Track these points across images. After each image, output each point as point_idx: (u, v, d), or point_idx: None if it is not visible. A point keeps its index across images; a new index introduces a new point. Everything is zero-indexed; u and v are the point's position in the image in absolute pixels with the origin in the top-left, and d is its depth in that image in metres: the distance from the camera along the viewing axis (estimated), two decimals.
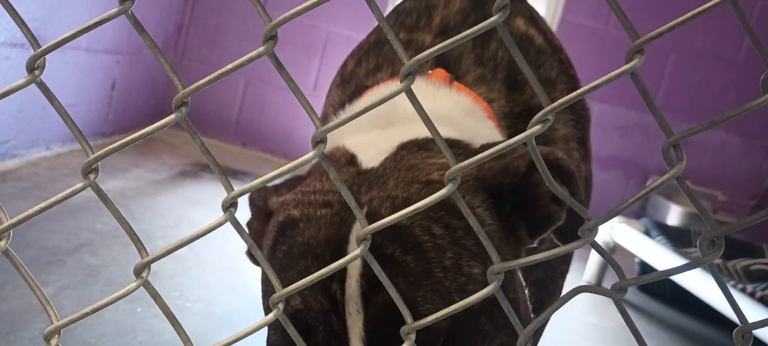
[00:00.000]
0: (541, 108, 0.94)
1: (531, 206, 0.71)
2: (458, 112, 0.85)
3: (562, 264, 1.15)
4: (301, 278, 0.61)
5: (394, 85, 0.90)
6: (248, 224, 0.83)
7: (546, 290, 1.13)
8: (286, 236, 0.69)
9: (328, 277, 0.61)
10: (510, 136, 0.92)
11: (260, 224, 0.80)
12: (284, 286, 0.63)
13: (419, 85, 0.88)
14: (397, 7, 1.07)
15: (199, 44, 3.43)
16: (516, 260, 0.64)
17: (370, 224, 0.61)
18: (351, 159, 0.75)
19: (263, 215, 0.80)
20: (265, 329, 0.72)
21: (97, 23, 0.45)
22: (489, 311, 0.65)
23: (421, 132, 0.75)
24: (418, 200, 0.62)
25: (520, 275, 0.78)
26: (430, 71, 0.90)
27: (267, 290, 0.75)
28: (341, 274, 0.63)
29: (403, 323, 0.51)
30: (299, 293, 0.63)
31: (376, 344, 0.62)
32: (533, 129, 0.43)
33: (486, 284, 0.62)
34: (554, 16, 3.32)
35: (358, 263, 0.62)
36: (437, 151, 0.73)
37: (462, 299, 0.59)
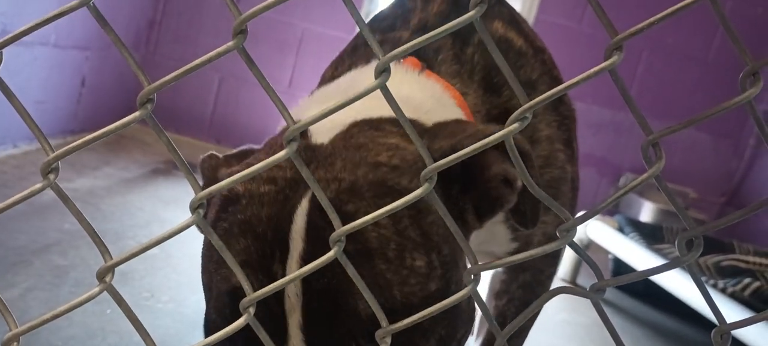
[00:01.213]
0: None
1: (481, 187, 0.69)
2: (425, 97, 0.83)
3: (550, 266, 1.13)
4: (240, 256, 0.62)
5: (368, 69, 0.90)
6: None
7: (533, 293, 1.12)
8: (228, 212, 0.66)
9: (270, 256, 0.61)
10: None
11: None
12: (216, 266, 0.63)
13: (397, 72, 0.86)
14: (374, 16, 1.06)
15: (171, 40, 3.38)
16: (468, 248, 0.62)
17: (312, 207, 0.61)
18: (303, 131, 0.74)
19: (210, 184, 0.76)
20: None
21: (58, 15, 0.43)
22: (430, 305, 0.63)
23: (379, 107, 0.71)
24: (364, 182, 0.63)
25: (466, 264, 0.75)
26: (402, 59, 0.89)
27: (207, 265, 0.70)
28: (283, 254, 0.61)
29: (341, 312, 0.51)
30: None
31: (314, 329, 0.61)
32: (511, 127, 0.42)
33: (428, 277, 0.61)
34: (529, 14, 3.33)
35: (299, 243, 0.61)
36: (389, 131, 0.71)
37: (402, 292, 0.60)
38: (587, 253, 0.46)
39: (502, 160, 0.69)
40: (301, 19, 3.35)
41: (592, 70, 0.41)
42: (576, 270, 2.45)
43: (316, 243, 0.60)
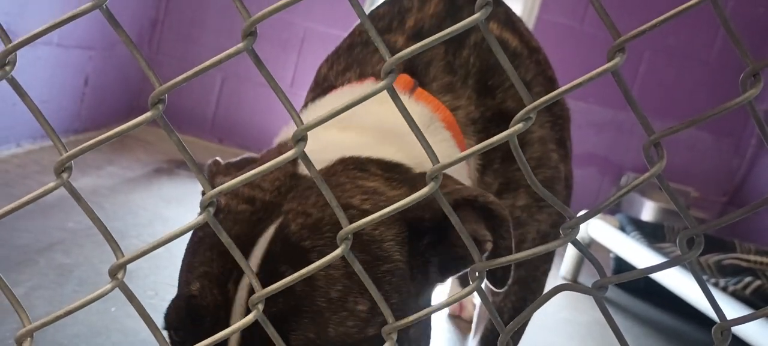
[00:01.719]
0: (514, 110, 0.94)
1: (449, 244, 0.70)
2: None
3: (545, 263, 1.15)
4: (203, 266, 0.66)
5: (366, 86, 0.90)
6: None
7: (528, 289, 1.13)
8: (203, 226, 0.70)
9: (227, 274, 0.64)
10: (481, 141, 0.92)
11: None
12: (187, 268, 0.68)
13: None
14: (370, 12, 1.07)
15: (174, 40, 3.38)
16: (419, 298, 0.66)
17: (277, 235, 0.64)
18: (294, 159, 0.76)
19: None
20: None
21: (70, 18, 0.44)
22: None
23: (371, 146, 0.74)
24: (328, 222, 0.65)
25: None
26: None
27: (182, 263, 0.75)
28: (238, 274, 0.64)
29: (282, 335, 0.54)
30: (199, 281, 0.65)
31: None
32: (515, 127, 0.43)
33: (368, 321, 0.63)
34: (531, 14, 3.34)
35: (256, 263, 0.64)
36: (373, 173, 0.72)
37: (337, 331, 0.62)
38: (588, 250, 0.47)
39: (476, 220, 0.70)
40: (303, 18, 3.35)
41: (595, 72, 0.41)
42: (577, 269, 2.46)
43: (268, 271, 0.64)
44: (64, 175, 0.44)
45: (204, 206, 0.44)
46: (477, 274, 0.48)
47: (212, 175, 0.81)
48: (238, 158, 0.85)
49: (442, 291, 1.95)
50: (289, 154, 0.44)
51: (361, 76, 0.94)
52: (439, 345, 1.67)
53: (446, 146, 0.86)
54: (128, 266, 0.48)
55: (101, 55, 2.89)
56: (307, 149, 0.75)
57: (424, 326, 0.74)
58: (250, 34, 0.42)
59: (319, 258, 0.62)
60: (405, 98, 0.86)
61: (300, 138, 0.44)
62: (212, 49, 3.29)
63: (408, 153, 0.78)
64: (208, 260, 0.67)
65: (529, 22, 3.31)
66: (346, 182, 0.70)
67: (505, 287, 0.72)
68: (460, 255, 0.71)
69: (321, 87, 1.01)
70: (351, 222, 0.63)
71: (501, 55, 0.43)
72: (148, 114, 0.42)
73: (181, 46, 3.38)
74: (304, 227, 0.65)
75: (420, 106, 0.87)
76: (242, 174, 0.74)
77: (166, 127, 0.43)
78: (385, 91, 0.43)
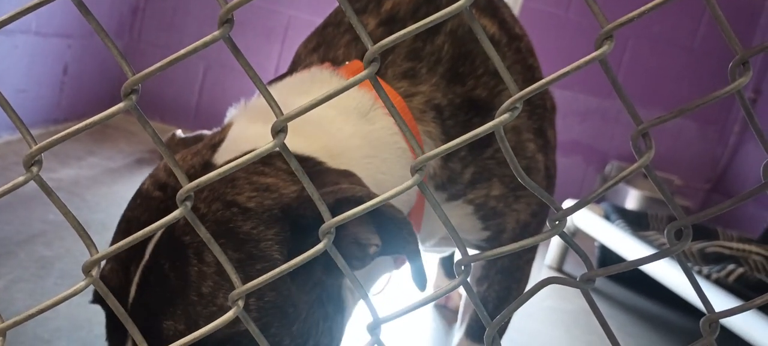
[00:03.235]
0: (484, 99, 0.93)
1: (336, 245, 0.70)
2: (346, 115, 0.82)
3: (528, 252, 1.15)
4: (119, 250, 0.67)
5: (315, 72, 0.89)
6: None
7: (512, 278, 1.13)
8: (129, 204, 0.75)
9: (132, 259, 0.67)
10: (451, 128, 0.91)
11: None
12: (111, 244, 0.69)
13: (323, 76, 0.86)
14: None
15: (156, 27, 3.34)
16: (303, 296, 0.68)
17: (169, 227, 0.65)
18: (217, 144, 0.76)
19: None
20: None
21: (38, 4, 0.42)
22: (235, 342, 0.66)
23: (288, 139, 0.73)
24: (211, 219, 0.66)
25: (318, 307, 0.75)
26: (347, 63, 0.89)
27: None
28: (139, 258, 0.67)
29: (150, 324, 0.60)
30: (109, 262, 0.69)
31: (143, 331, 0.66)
32: (501, 118, 0.42)
33: (239, 321, 0.62)
34: (516, 1, 3.33)
35: (147, 256, 0.67)
36: (275, 167, 0.71)
37: (207, 325, 0.63)
38: (574, 241, 0.46)
39: (360, 223, 0.69)
40: (287, 6, 3.32)
41: (582, 60, 0.40)
42: (563, 257, 2.47)
43: (152, 264, 0.67)
44: (34, 168, 0.42)
45: (181, 200, 0.43)
46: (463, 268, 0.47)
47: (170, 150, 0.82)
48: (192, 134, 0.85)
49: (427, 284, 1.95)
50: (269, 145, 0.43)
51: (324, 59, 0.93)
52: (425, 335, 1.66)
53: (384, 134, 0.84)
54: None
55: (80, 43, 2.84)
56: (231, 141, 0.74)
57: (333, 329, 0.75)
58: (227, 21, 0.41)
59: (194, 254, 0.65)
60: (344, 84, 0.85)
61: (279, 129, 0.43)
62: (195, 36, 3.22)
63: (324, 145, 0.77)
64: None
65: (514, 11, 3.30)
66: (241, 176, 0.70)
67: (424, 286, 0.71)
68: (351, 254, 0.70)
69: (293, 67, 1.00)
70: (230, 220, 0.66)
71: (486, 44, 0.42)
72: (120, 105, 0.41)
73: (163, 34, 3.33)
74: (188, 222, 0.65)
75: (360, 93, 0.85)
76: (188, 154, 0.74)
77: (140, 118, 0.42)
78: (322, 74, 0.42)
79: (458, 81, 0.92)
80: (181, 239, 0.66)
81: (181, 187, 0.65)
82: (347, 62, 0.90)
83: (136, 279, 0.67)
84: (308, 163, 0.74)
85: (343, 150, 0.78)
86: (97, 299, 0.72)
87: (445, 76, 0.92)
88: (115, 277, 0.69)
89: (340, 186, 0.68)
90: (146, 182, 0.75)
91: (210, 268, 0.65)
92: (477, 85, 0.93)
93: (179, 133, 0.87)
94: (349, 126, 0.82)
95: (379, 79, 0.86)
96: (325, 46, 0.96)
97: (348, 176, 0.73)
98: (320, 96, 0.43)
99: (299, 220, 0.68)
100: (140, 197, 0.74)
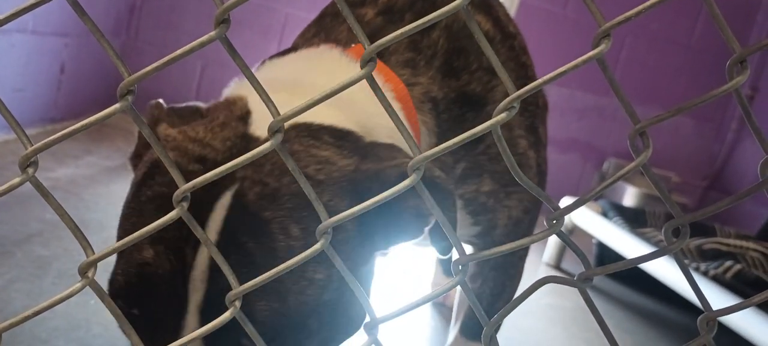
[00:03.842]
0: (478, 94, 0.94)
1: (391, 216, 0.71)
2: (361, 93, 0.83)
3: (522, 248, 1.15)
4: (158, 231, 0.61)
5: (322, 50, 0.89)
6: (138, 135, 0.81)
7: (506, 274, 1.13)
8: (155, 180, 0.67)
9: (183, 238, 0.62)
10: (445, 121, 0.92)
11: (144, 142, 0.78)
12: (133, 229, 0.60)
13: (333, 55, 0.86)
14: None
15: (153, 26, 3.33)
16: (365, 266, 0.66)
17: (234, 204, 0.62)
18: (244, 115, 0.73)
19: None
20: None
21: (34, 4, 0.42)
22: (319, 312, 0.66)
23: (320, 112, 0.71)
24: (287, 193, 0.64)
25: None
26: (353, 45, 0.89)
27: (124, 223, 0.71)
28: (197, 239, 0.61)
29: (246, 306, 0.53)
30: (152, 246, 0.62)
31: (210, 314, 0.61)
32: (498, 117, 0.42)
33: (325, 288, 0.64)
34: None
35: (214, 234, 0.62)
36: (325, 142, 0.71)
37: (298, 300, 0.62)
38: (571, 239, 0.46)
39: (420, 195, 0.70)
40: (284, 4, 3.32)
41: (580, 59, 0.40)
42: (560, 255, 2.47)
43: (228, 242, 0.62)
44: (30, 169, 0.42)
45: (177, 201, 0.43)
46: (460, 267, 0.47)
47: (154, 120, 0.76)
48: (183, 105, 0.81)
49: (424, 281, 1.95)
50: (266, 146, 0.43)
51: (325, 42, 0.93)
52: (422, 332, 1.66)
53: (396, 119, 0.85)
54: (108, 260, 0.46)
55: (77, 42, 2.83)
56: (259, 112, 0.72)
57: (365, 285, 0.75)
58: (223, 21, 0.40)
59: (279, 229, 0.62)
60: (356, 68, 0.85)
61: (276, 129, 0.42)
62: (192, 35, 3.23)
63: (357, 120, 0.77)
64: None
65: (512, 8, 3.30)
66: (300, 150, 0.69)
67: (448, 254, 0.73)
68: (404, 227, 0.71)
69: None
70: (305, 192, 0.63)
71: (482, 40, 0.42)
72: (116, 106, 0.40)
73: (160, 33, 3.33)
74: (263, 197, 0.64)
75: (374, 75, 0.86)
76: (178, 129, 0.71)
77: (136, 118, 0.41)
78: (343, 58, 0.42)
79: (453, 75, 0.93)
80: (261, 215, 0.63)
81: (220, 160, 0.63)
82: (353, 45, 0.90)
83: (205, 261, 0.61)
84: (351, 137, 0.74)
85: (372, 128, 0.78)
86: (126, 295, 0.65)
87: (440, 69, 0.93)
88: (164, 262, 0.63)
89: (402, 160, 0.68)
90: (170, 156, 0.70)
91: (297, 241, 0.63)
92: (471, 80, 0.94)
93: (162, 102, 0.82)
94: (371, 106, 0.83)
95: (384, 65, 0.87)
96: (325, 32, 0.96)
97: (397, 149, 0.74)
98: (320, 94, 0.43)
99: (365, 193, 0.67)
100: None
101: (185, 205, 0.43)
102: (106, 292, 0.70)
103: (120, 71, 0.41)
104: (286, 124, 0.69)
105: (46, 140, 0.42)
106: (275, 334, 0.63)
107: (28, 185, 0.45)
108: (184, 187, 0.42)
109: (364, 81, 0.85)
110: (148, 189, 0.66)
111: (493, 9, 1.03)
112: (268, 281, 0.57)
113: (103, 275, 0.56)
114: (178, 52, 0.41)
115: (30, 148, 0.42)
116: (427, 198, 0.46)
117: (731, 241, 2.15)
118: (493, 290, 1.12)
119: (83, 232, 0.47)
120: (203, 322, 0.61)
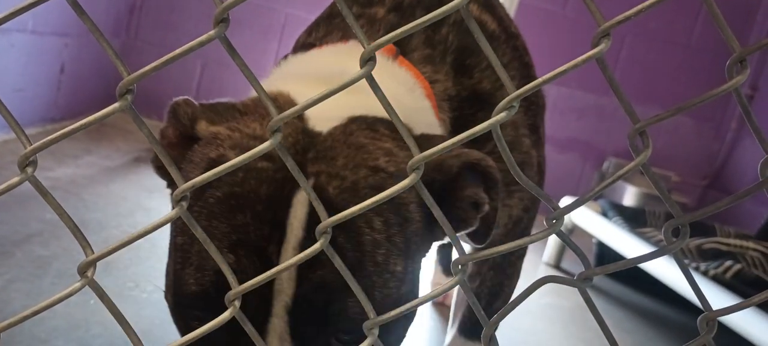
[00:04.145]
0: (489, 92, 0.94)
1: (451, 206, 0.72)
2: (400, 90, 0.84)
3: (520, 248, 1.15)
4: (236, 233, 0.60)
5: (352, 45, 0.89)
6: (162, 133, 0.76)
7: (504, 274, 1.13)
8: (221, 181, 0.64)
9: (265, 238, 0.60)
10: (456, 120, 0.92)
11: (177, 139, 0.74)
12: (213, 233, 0.60)
13: (363, 53, 0.86)
14: None
15: (152, 26, 3.33)
16: (456, 240, 0.63)
17: (337, 201, 0.61)
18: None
19: (184, 135, 0.73)
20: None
21: (33, 3, 0.42)
22: (400, 305, 0.66)
23: (373, 105, 0.70)
24: (365, 185, 0.64)
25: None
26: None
27: (185, 228, 0.66)
28: (279, 236, 0.60)
29: (331, 305, 0.54)
30: (232, 250, 0.60)
31: (300, 319, 0.61)
32: (499, 116, 0.42)
33: (404, 281, 0.65)
34: None
35: (299, 231, 0.60)
36: (383, 134, 0.71)
37: (382, 293, 0.63)
38: (571, 239, 0.46)
39: (476, 183, 0.72)
40: (284, 4, 3.32)
41: (580, 59, 0.40)
42: (560, 254, 2.47)
43: (315, 239, 0.60)
44: (29, 169, 0.42)
45: (177, 201, 0.43)
46: (460, 267, 0.47)
47: (191, 119, 0.73)
48: (216, 101, 0.78)
49: (425, 280, 1.95)
50: (266, 145, 0.43)
51: (343, 39, 0.93)
52: (421, 333, 1.66)
53: (427, 115, 0.86)
54: (108, 258, 0.46)
55: (77, 42, 2.83)
56: (310, 110, 0.73)
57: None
58: (222, 21, 0.40)
59: (364, 222, 0.62)
60: (388, 63, 0.86)
61: (275, 129, 0.42)
62: (192, 34, 3.21)
63: (400, 113, 0.77)
64: (241, 225, 0.61)
65: (511, 7, 3.30)
66: (367, 142, 0.69)
67: (487, 242, 0.75)
68: (461, 217, 0.72)
69: (299, 50, 0.99)
70: (383, 184, 0.63)
71: (481, 40, 0.42)
72: (116, 105, 0.40)
73: (160, 33, 3.32)
74: (344, 190, 0.63)
75: (403, 71, 0.87)
76: (227, 127, 0.68)
77: (135, 118, 0.41)
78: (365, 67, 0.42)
79: (466, 73, 0.94)
80: (344, 207, 0.59)
81: (294, 159, 0.61)
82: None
83: (292, 255, 0.60)
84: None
85: (412, 123, 0.78)
86: (203, 304, 0.61)
87: (453, 66, 0.93)
88: (248, 262, 0.60)
89: (460, 151, 0.69)
90: (232, 155, 0.65)
91: (380, 234, 0.63)
92: (483, 78, 0.94)
93: (191, 99, 0.78)
94: (407, 99, 0.84)
95: (410, 64, 0.87)
96: (340, 30, 0.95)
97: (445, 139, 0.75)
98: (324, 91, 0.43)
99: (429, 183, 0.67)
100: (241, 170, 0.64)
101: (184, 204, 0.43)
102: (170, 303, 0.67)
103: (119, 71, 0.41)
104: (344, 115, 0.70)
105: (44, 140, 0.42)
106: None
107: (28, 184, 0.45)
108: (184, 186, 0.42)
109: (401, 77, 0.86)
110: (217, 190, 0.63)
111: (495, 9, 1.04)
112: (359, 277, 0.56)
113: (102, 274, 0.56)
114: (178, 51, 0.41)
115: (29, 148, 0.42)
116: (427, 196, 0.46)
117: (731, 240, 2.15)
118: (492, 290, 1.13)
119: (82, 232, 0.47)
120: (291, 323, 0.60)
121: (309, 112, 0.70)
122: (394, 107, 0.79)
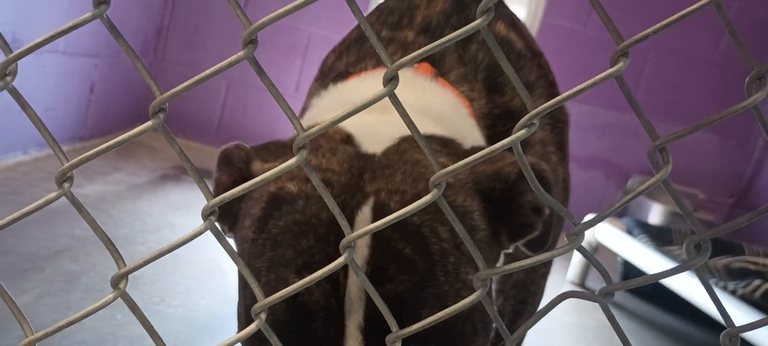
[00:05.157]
0: (521, 109, 0.95)
1: (513, 212, 0.72)
2: (446, 108, 0.86)
3: (543, 266, 1.15)
4: (301, 257, 0.61)
5: (403, 73, 0.91)
6: (217, 181, 0.77)
7: (527, 292, 1.13)
8: (282, 211, 0.65)
9: (330, 259, 0.58)
10: (489, 137, 0.93)
11: (232, 185, 0.74)
12: (269, 264, 0.62)
13: (406, 75, 0.88)
14: (379, 5, 1.08)
15: (179, 46, 3.39)
16: (497, 265, 0.64)
17: (376, 216, 0.62)
18: (347, 138, 0.74)
19: (240, 176, 0.74)
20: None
21: (71, 28, 0.44)
22: (472, 318, 0.65)
23: (420, 125, 0.73)
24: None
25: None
26: (415, 64, 0.90)
27: (254, 261, 0.68)
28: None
29: (405, 320, 0.51)
30: (298, 275, 0.60)
31: (374, 336, 0.61)
32: (519, 133, 0.43)
33: (473, 291, 0.63)
34: (535, 17, 3.33)
35: (365, 249, 0.61)
36: (435, 149, 0.73)
37: (456, 302, 0.61)
38: (595, 257, 0.46)
39: (535, 190, 0.72)
40: (308, 23, 3.36)
41: (598, 77, 0.41)
42: (585, 273, 2.45)
43: (381, 252, 0.61)
44: (66, 185, 0.44)
45: (206, 216, 0.44)
46: (482, 281, 0.47)
47: (245, 161, 0.74)
48: (268, 142, 0.79)
49: None
50: (292, 162, 0.44)
51: (377, 66, 0.95)
52: None
53: (473, 131, 0.88)
54: (135, 273, 0.47)
55: (107, 62, 2.90)
56: (360, 134, 0.73)
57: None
58: (251, 42, 0.42)
59: (430, 232, 0.62)
60: (430, 84, 0.88)
61: (301, 146, 0.44)
62: (217, 55, 3.30)
63: (450, 130, 0.80)
64: (306, 249, 0.62)
65: (534, 26, 3.31)
66: (421, 158, 0.70)
67: (545, 248, 0.75)
68: (525, 222, 0.73)
69: (330, 76, 1.00)
70: (446, 196, 0.60)
71: (502, 59, 0.43)
72: (148, 123, 0.42)
73: (186, 53, 3.39)
74: (406, 203, 0.62)
75: (446, 92, 0.88)
76: (277, 156, 0.70)
77: (167, 136, 0.43)
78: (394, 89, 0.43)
79: (498, 90, 0.95)
80: (410, 221, 0.62)
81: (344, 181, 0.63)
82: (415, 65, 0.91)
83: (364, 272, 0.60)
84: (454, 144, 0.77)
85: (462, 137, 0.80)
86: (279, 330, 0.59)
87: (485, 83, 0.95)
88: (315, 289, 0.60)
89: (515, 160, 0.70)
90: (291, 186, 0.67)
91: (448, 243, 0.63)
92: (515, 96, 0.95)
93: (242, 144, 0.79)
94: (454, 118, 0.86)
95: (448, 83, 0.89)
96: (371, 56, 0.97)
97: (499, 154, 0.76)
98: (347, 109, 0.44)
99: (488, 192, 0.70)
100: (302, 199, 0.65)
101: (213, 219, 0.44)
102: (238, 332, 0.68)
103: (152, 90, 0.42)
104: (396, 135, 0.72)
105: (81, 156, 0.44)
106: (441, 340, 0.62)
107: (58, 201, 0.46)
108: (213, 201, 0.44)
109: (445, 97, 0.87)
110: (278, 220, 0.65)
111: (520, 29, 1.05)
112: (430, 288, 0.58)
113: (129, 289, 0.57)
114: (209, 71, 0.42)
115: (66, 164, 0.44)
116: (448, 211, 0.47)
117: (759, 259, 2.11)
118: (515, 308, 1.12)
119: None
120: (366, 342, 0.60)
121: (359, 137, 0.72)
122: (445, 127, 0.81)
